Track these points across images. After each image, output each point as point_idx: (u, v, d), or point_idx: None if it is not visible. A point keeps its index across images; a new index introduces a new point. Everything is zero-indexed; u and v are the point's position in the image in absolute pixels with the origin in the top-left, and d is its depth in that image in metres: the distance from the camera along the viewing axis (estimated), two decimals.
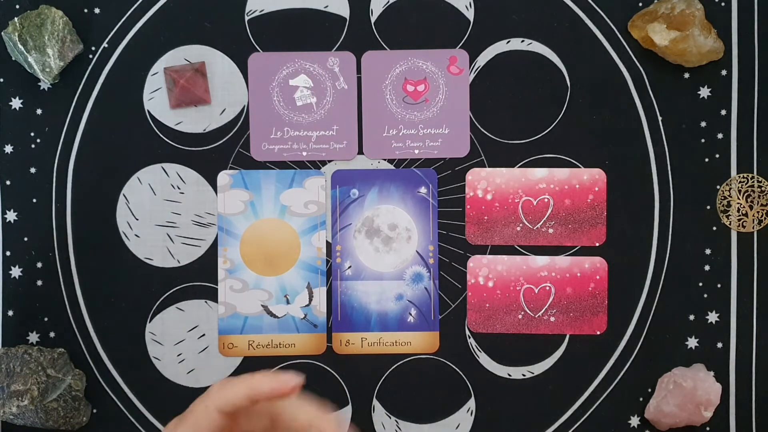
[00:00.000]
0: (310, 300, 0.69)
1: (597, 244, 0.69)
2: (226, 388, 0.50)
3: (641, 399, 0.69)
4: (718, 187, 0.69)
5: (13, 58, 0.68)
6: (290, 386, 0.50)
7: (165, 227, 0.69)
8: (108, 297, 0.69)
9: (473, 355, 0.69)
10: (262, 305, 0.69)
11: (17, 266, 0.69)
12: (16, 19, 0.66)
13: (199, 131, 0.69)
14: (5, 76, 0.69)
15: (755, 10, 0.68)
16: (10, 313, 0.69)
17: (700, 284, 0.69)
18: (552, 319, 0.69)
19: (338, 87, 0.69)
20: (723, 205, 0.69)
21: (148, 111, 0.69)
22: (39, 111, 0.69)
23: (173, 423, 0.51)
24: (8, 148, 0.69)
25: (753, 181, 0.69)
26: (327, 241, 0.69)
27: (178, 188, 0.69)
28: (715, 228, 0.69)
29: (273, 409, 0.52)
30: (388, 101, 0.69)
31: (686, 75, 0.69)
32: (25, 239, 0.69)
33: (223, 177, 0.69)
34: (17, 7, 0.68)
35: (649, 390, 0.69)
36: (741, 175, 0.69)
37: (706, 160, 0.69)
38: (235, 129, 0.69)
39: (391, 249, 0.69)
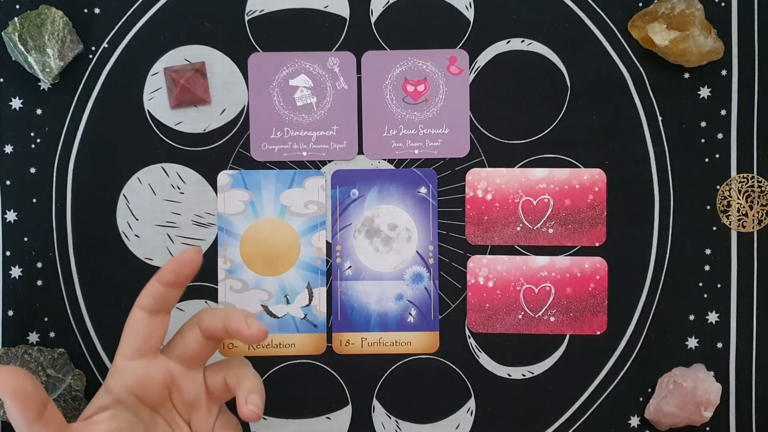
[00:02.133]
0: (310, 300, 0.69)
1: (597, 244, 0.69)
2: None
3: (641, 399, 0.69)
4: (718, 187, 0.69)
5: (13, 58, 0.68)
6: (187, 258, 0.55)
7: (165, 227, 0.69)
8: (108, 297, 0.69)
9: (473, 355, 0.69)
10: (262, 305, 0.69)
11: (17, 266, 0.69)
12: (16, 19, 0.66)
13: (199, 131, 0.69)
14: (5, 76, 0.69)
15: (755, 10, 0.68)
16: (10, 313, 0.69)
17: (700, 284, 0.69)
18: (552, 319, 0.69)
19: (338, 87, 0.69)
20: (723, 205, 0.69)
21: (148, 111, 0.69)
22: (39, 111, 0.69)
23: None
24: (8, 148, 0.69)
25: (753, 181, 0.69)
26: (327, 241, 0.69)
27: (178, 188, 0.69)
28: (715, 228, 0.69)
29: (199, 321, 0.57)
30: (388, 101, 0.69)
31: (686, 75, 0.69)
32: (25, 239, 0.69)
33: (223, 177, 0.69)
34: (17, 7, 0.68)
35: (649, 390, 0.69)
36: (741, 175, 0.69)
37: (706, 160, 0.69)
38: (235, 129, 0.69)
39: (391, 249, 0.69)
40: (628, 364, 0.69)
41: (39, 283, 0.69)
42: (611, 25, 0.69)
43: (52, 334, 0.69)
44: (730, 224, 0.69)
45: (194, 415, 0.57)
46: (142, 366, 0.55)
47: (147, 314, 0.56)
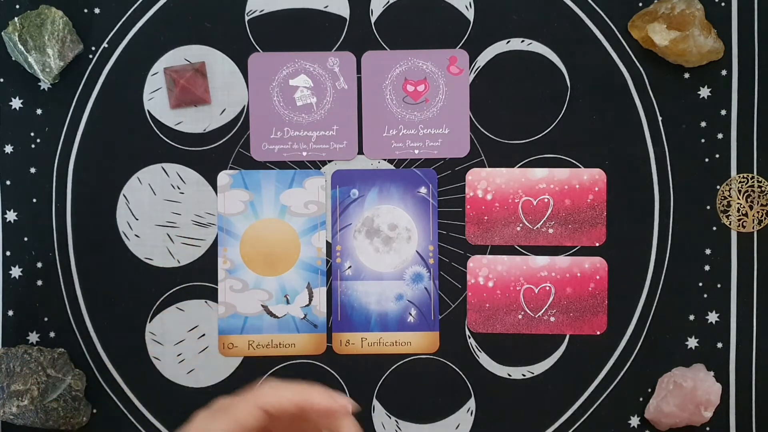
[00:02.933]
0: (310, 300, 0.69)
1: (597, 244, 0.69)
2: (279, 390, 0.50)
3: (641, 399, 0.69)
4: (718, 187, 0.69)
5: (13, 58, 0.68)
6: (343, 408, 0.50)
7: (165, 227, 0.69)
8: (108, 297, 0.69)
9: (473, 355, 0.69)
10: (262, 305, 0.69)
11: (17, 266, 0.69)
12: (16, 19, 0.66)
13: (199, 131, 0.69)
14: (5, 76, 0.69)
15: (755, 10, 0.68)
16: (10, 313, 0.69)
17: (700, 284, 0.69)
18: (552, 319, 0.69)
19: (338, 87, 0.69)
20: (723, 205, 0.69)
21: (148, 111, 0.69)
22: (39, 111, 0.69)
23: (206, 417, 0.50)
24: (8, 148, 0.69)
25: (753, 181, 0.69)
26: (327, 241, 0.69)
27: (178, 188, 0.69)
28: (715, 228, 0.69)
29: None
30: (388, 101, 0.69)
31: (686, 75, 0.69)
32: (25, 239, 0.69)
33: (223, 177, 0.69)
34: (17, 7, 0.68)
35: (649, 390, 0.69)
36: (741, 175, 0.69)
37: (706, 160, 0.69)
38: (235, 129, 0.69)
39: (391, 249, 0.69)
40: (628, 364, 0.69)
41: (39, 283, 0.69)
42: (611, 25, 0.69)
43: (52, 334, 0.69)
44: (730, 224, 0.69)
45: None
46: None
47: (264, 415, 0.50)
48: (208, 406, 0.51)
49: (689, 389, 0.66)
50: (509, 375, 0.69)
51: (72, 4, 0.68)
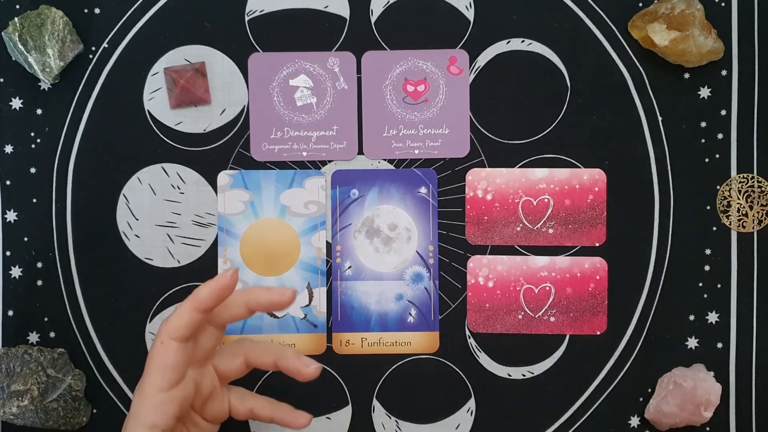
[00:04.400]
0: (310, 300, 0.69)
1: (597, 244, 0.69)
2: (173, 317, 0.55)
3: (641, 399, 0.69)
4: (718, 187, 0.69)
5: (13, 58, 0.68)
6: (225, 281, 0.55)
7: (165, 227, 0.69)
8: (108, 297, 0.69)
9: (473, 355, 0.69)
10: None
11: (17, 266, 0.69)
12: (16, 19, 0.66)
13: (199, 131, 0.69)
14: (5, 76, 0.69)
15: (755, 10, 0.68)
16: (10, 313, 0.69)
17: (700, 284, 0.69)
18: (552, 319, 0.69)
19: (338, 87, 0.69)
20: (723, 206, 0.69)
21: (148, 111, 0.69)
22: (39, 111, 0.69)
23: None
24: (8, 148, 0.69)
25: (753, 182, 0.69)
26: (327, 242, 0.69)
27: (178, 188, 0.69)
28: (715, 228, 0.69)
29: (242, 351, 0.59)
30: (388, 101, 0.69)
31: (686, 75, 0.69)
32: (25, 239, 0.69)
33: (223, 177, 0.69)
34: (17, 7, 0.68)
35: (649, 390, 0.69)
36: (741, 176, 0.69)
37: (706, 160, 0.69)
38: (235, 129, 0.69)
39: (391, 249, 0.69)
40: (628, 364, 0.69)
41: (39, 283, 0.69)
42: (611, 25, 0.69)
43: (52, 334, 0.69)
44: (730, 224, 0.69)
45: (209, 404, 0.58)
46: (180, 392, 0.55)
47: (180, 344, 0.54)
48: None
49: (689, 389, 0.66)
50: (509, 375, 0.69)
51: (72, 4, 0.68)
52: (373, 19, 0.69)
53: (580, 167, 0.69)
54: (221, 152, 0.69)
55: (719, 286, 0.69)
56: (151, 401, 0.54)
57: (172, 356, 0.54)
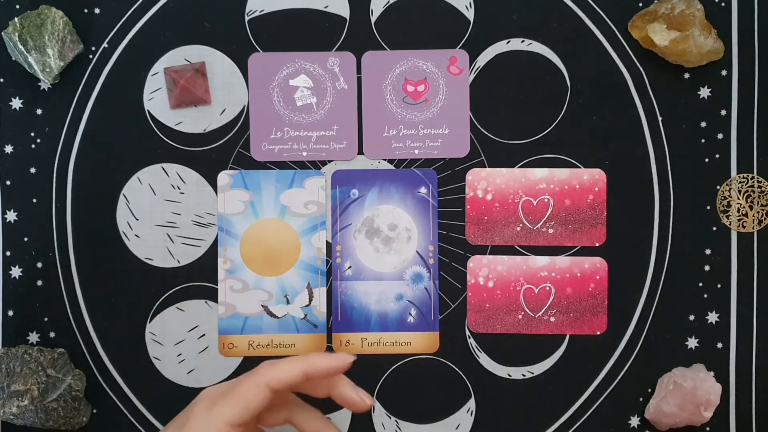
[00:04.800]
0: (310, 300, 0.69)
1: (597, 244, 0.69)
2: (279, 366, 0.54)
3: (641, 399, 0.69)
4: (718, 187, 0.69)
5: (13, 58, 0.68)
6: (345, 363, 0.55)
7: (165, 227, 0.69)
8: (108, 297, 0.69)
9: (473, 355, 0.69)
10: (262, 305, 0.69)
11: (17, 266, 0.69)
12: (16, 19, 0.66)
13: (199, 131, 0.69)
14: (5, 76, 0.69)
15: (755, 10, 0.68)
16: (10, 313, 0.69)
17: (700, 284, 0.69)
18: (552, 319, 0.69)
19: (338, 87, 0.69)
20: (723, 205, 0.69)
21: (148, 111, 0.69)
22: (39, 111, 0.69)
23: (211, 396, 0.54)
24: (8, 148, 0.69)
25: (753, 181, 0.69)
26: (327, 242, 0.69)
27: (178, 188, 0.69)
28: (715, 228, 0.69)
29: (289, 411, 0.57)
30: (388, 101, 0.69)
31: (686, 75, 0.69)
32: (25, 239, 0.69)
33: (223, 177, 0.69)
34: (17, 7, 0.68)
35: (649, 390, 0.69)
36: (741, 176, 0.69)
37: (706, 160, 0.69)
38: (235, 129, 0.69)
39: (391, 249, 0.69)
40: (628, 364, 0.69)
41: (39, 283, 0.69)
42: (611, 25, 0.69)
43: (52, 334, 0.69)
44: (730, 224, 0.69)
45: None
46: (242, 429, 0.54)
47: (272, 394, 0.53)
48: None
49: (689, 389, 0.66)
50: (509, 375, 0.69)
51: (72, 4, 0.68)
52: (373, 19, 0.69)
53: (580, 167, 0.69)
54: (221, 152, 0.69)
55: (719, 286, 0.69)
56: (214, 426, 0.53)
57: (260, 401, 0.53)
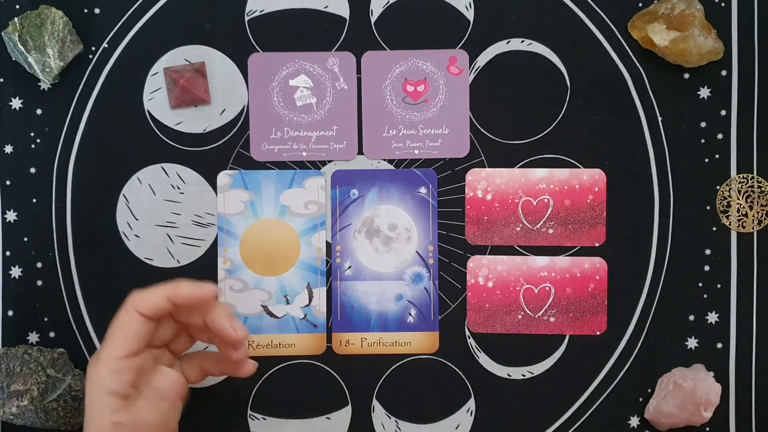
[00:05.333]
0: (310, 300, 0.69)
1: (597, 245, 0.69)
2: (145, 293, 0.57)
3: (641, 399, 0.69)
4: (718, 187, 0.69)
5: (13, 58, 0.68)
6: (208, 292, 0.58)
7: (165, 227, 0.69)
8: (108, 297, 0.69)
9: (473, 355, 0.69)
10: (262, 305, 0.69)
11: (17, 266, 0.69)
12: (16, 19, 0.66)
13: (199, 131, 0.69)
14: (5, 76, 0.69)
15: (755, 10, 0.68)
16: (10, 313, 0.69)
17: (700, 284, 0.69)
18: (552, 319, 0.69)
19: (338, 87, 0.69)
20: (723, 206, 0.69)
21: (148, 111, 0.69)
22: (39, 111, 0.69)
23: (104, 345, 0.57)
24: (8, 148, 0.69)
25: (753, 182, 0.69)
26: (327, 242, 0.69)
27: (178, 188, 0.69)
28: (715, 228, 0.69)
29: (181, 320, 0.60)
30: (388, 101, 0.69)
31: (686, 75, 0.69)
32: (25, 239, 0.69)
33: (223, 177, 0.69)
34: (17, 7, 0.68)
35: (649, 390, 0.69)
36: (741, 176, 0.69)
37: (706, 160, 0.69)
38: (235, 129, 0.69)
39: (391, 249, 0.69)
40: (628, 364, 0.69)
41: (39, 283, 0.69)
42: (611, 25, 0.69)
43: (52, 334, 0.69)
44: (730, 224, 0.69)
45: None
46: (136, 361, 0.57)
47: (144, 319, 0.57)
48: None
49: (689, 389, 0.66)
50: (509, 375, 0.69)
51: (72, 4, 0.68)
52: (373, 19, 0.69)
53: (580, 167, 0.69)
54: (221, 152, 0.69)
55: (719, 286, 0.69)
56: (106, 366, 0.56)
57: (135, 327, 0.56)
